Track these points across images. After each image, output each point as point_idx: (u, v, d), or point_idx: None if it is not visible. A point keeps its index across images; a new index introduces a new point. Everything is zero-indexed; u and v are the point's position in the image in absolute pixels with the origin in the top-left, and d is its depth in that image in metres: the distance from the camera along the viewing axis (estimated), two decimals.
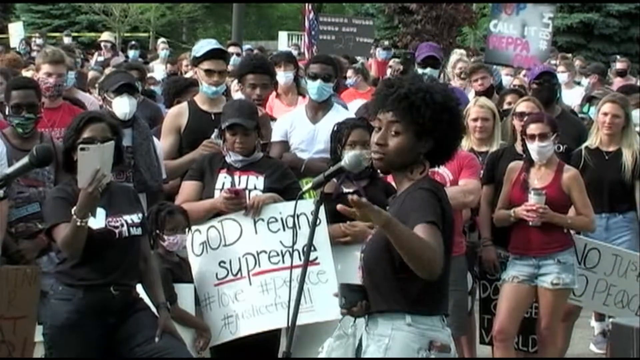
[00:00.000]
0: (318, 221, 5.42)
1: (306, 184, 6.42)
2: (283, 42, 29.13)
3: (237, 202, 6.32)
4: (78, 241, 5.48)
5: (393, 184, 4.63)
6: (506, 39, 12.74)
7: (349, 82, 12.73)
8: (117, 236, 5.66)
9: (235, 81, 8.65)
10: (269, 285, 6.23)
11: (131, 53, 20.16)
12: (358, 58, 17.07)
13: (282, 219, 6.31)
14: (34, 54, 17.79)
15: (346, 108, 8.34)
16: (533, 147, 7.26)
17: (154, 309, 5.79)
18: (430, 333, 4.31)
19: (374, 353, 4.32)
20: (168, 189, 7.20)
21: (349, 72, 12.84)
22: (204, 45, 7.52)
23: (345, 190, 6.50)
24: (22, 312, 5.85)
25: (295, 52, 17.20)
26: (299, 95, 9.35)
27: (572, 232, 7.43)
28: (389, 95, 4.33)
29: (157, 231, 6.24)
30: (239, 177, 6.48)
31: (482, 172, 7.56)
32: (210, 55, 7.36)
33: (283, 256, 6.25)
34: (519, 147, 7.64)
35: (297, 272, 4.61)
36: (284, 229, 6.29)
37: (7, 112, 6.75)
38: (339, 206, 4.09)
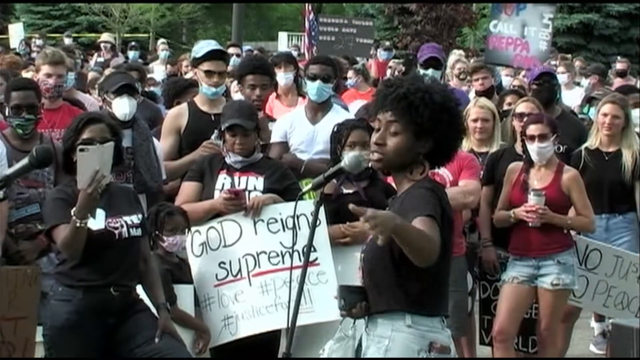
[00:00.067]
0: (318, 222, 5.41)
1: (306, 185, 6.41)
2: (283, 43, 29.09)
3: (236, 203, 6.32)
4: (78, 242, 5.48)
5: (393, 184, 4.62)
6: (506, 39, 12.74)
7: (350, 83, 12.73)
8: (117, 237, 5.66)
9: (235, 82, 8.65)
10: (268, 286, 6.23)
11: (131, 54, 20.19)
12: (358, 59, 17.08)
13: (282, 220, 6.31)
14: (33, 54, 17.80)
15: (346, 109, 8.34)
16: (533, 147, 7.26)
17: (153, 310, 5.79)
18: (430, 334, 4.31)
19: (374, 354, 4.32)
20: (168, 189, 7.20)
21: (350, 73, 12.85)
22: (203, 46, 7.52)
23: (345, 191, 6.50)
24: (22, 313, 5.84)
25: (295, 53, 17.22)
26: (299, 96, 9.35)
27: (573, 232, 7.43)
28: (388, 95, 4.34)
29: (157, 232, 6.24)
30: (239, 178, 6.48)
31: (482, 172, 7.56)
32: (210, 56, 7.36)
33: (283, 257, 6.25)
34: (518, 148, 7.64)
35: (297, 272, 4.61)
36: (284, 230, 6.29)
37: (7, 113, 6.75)
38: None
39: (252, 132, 6.47)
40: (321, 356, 4.50)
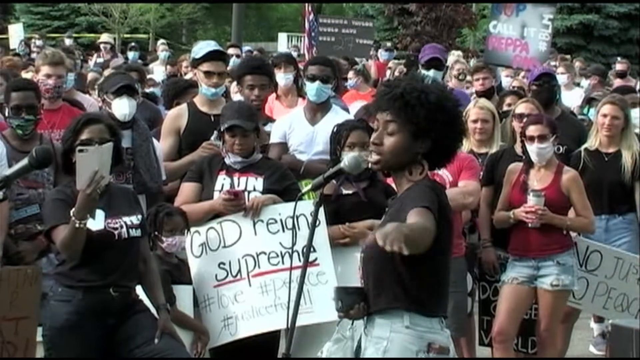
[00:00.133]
0: (317, 222, 5.40)
1: (305, 186, 6.41)
2: (283, 43, 29.13)
3: (236, 203, 6.32)
4: (77, 243, 5.48)
5: (393, 185, 4.62)
6: (506, 40, 12.73)
7: (350, 84, 12.73)
8: (117, 237, 5.65)
9: (235, 83, 8.65)
10: (268, 287, 6.23)
11: (131, 54, 20.20)
12: (358, 59, 17.08)
13: (281, 220, 6.31)
14: (33, 55, 17.80)
15: (346, 109, 8.34)
16: (532, 148, 7.26)
17: (153, 311, 5.79)
18: (429, 335, 4.31)
19: (373, 355, 4.32)
20: (167, 190, 7.19)
21: (350, 74, 12.84)
22: (203, 47, 7.52)
23: (345, 191, 6.50)
24: (23, 313, 5.84)
25: (295, 54, 17.22)
26: (299, 97, 9.34)
27: (573, 233, 7.43)
28: (386, 95, 4.34)
29: (156, 232, 6.24)
30: (238, 179, 6.48)
31: (481, 173, 7.56)
32: (210, 57, 7.36)
33: (282, 257, 6.25)
34: (518, 149, 7.63)
35: (296, 273, 4.61)
36: (284, 230, 6.29)
37: (6, 114, 6.75)
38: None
39: (251, 132, 6.47)
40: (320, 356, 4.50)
